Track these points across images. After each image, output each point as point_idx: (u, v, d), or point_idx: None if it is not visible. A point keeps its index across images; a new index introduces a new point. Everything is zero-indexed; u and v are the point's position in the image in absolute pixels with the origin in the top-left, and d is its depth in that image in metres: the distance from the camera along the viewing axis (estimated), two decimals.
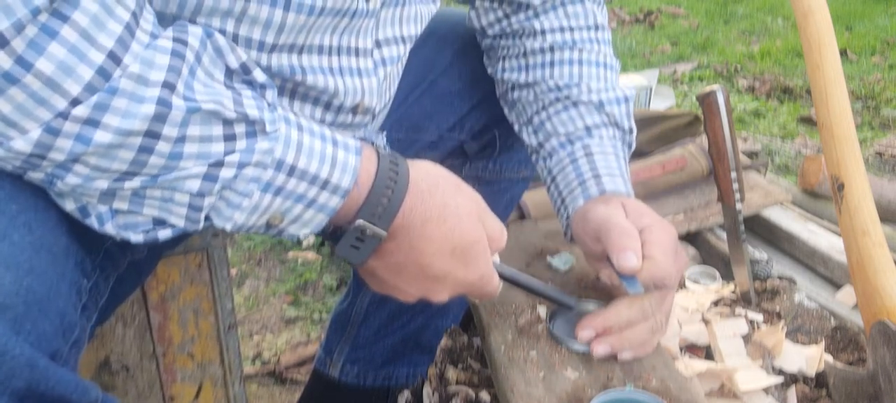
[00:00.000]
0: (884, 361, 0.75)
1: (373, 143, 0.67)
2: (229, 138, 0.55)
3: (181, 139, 0.53)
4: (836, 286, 1.27)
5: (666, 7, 4.68)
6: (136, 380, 1.02)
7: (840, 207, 0.84)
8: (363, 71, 0.75)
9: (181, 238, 0.93)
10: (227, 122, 0.55)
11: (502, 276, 0.76)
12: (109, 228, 0.57)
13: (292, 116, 0.60)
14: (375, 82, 0.77)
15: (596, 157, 0.90)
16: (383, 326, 1.22)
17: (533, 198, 1.33)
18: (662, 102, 2.28)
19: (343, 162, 0.61)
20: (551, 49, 0.95)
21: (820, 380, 0.85)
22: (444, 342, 0.99)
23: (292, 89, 0.71)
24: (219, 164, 0.55)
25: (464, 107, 1.07)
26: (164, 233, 0.59)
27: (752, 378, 0.82)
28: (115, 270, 0.72)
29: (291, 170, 0.59)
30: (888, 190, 1.54)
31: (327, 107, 0.74)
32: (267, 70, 0.67)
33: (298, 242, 2.01)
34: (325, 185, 0.61)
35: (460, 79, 1.06)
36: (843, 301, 1.19)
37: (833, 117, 0.86)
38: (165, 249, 0.93)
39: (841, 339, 0.93)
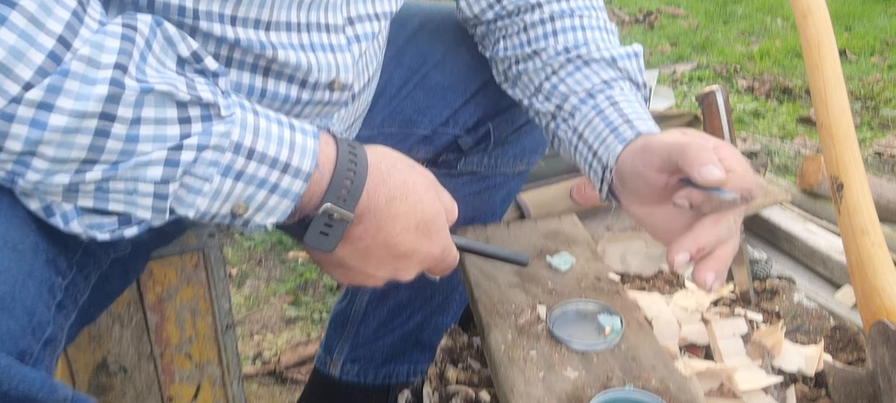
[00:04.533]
0: (883, 361, 0.75)
1: (328, 129, 0.67)
2: (184, 121, 0.55)
3: (137, 121, 0.53)
4: (836, 286, 1.27)
5: (665, 7, 4.68)
6: (133, 381, 1.02)
7: (839, 207, 0.84)
8: (336, 47, 0.76)
9: (171, 236, 0.93)
10: (182, 105, 0.55)
11: (458, 247, 0.78)
12: (75, 227, 0.57)
13: (247, 102, 0.61)
14: (350, 58, 0.77)
15: (622, 105, 0.86)
16: (382, 324, 1.22)
17: (533, 198, 1.34)
18: (662, 103, 2.28)
19: (302, 145, 0.62)
20: (552, 18, 0.94)
21: (819, 380, 0.85)
22: (444, 341, 0.99)
23: (265, 67, 0.71)
24: (178, 148, 0.55)
25: (457, 101, 1.06)
26: (130, 231, 0.59)
27: (751, 377, 0.82)
28: (97, 267, 0.71)
29: (250, 153, 0.59)
30: (887, 190, 1.54)
31: (303, 84, 0.74)
32: (235, 44, 0.67)
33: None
34: (286, 169, 0.61)
35: (453, 72, 1.05)
36: (843, 300, 1.19)
37: (832, 117, 0.86)
38: (155, 247, 0.92)
39: (840, 339, 0.93)
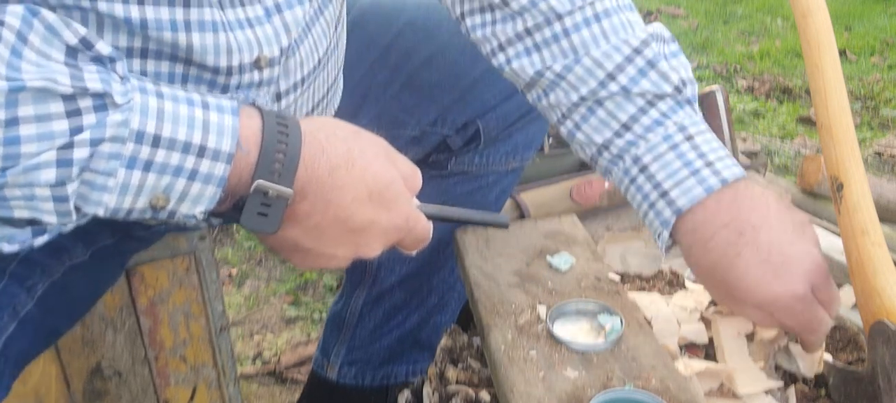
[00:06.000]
0: (882, 361, 0.74)
1: (253, 103, 0.63)
2: (73, 114, 0.51)
3: (13, 121, 0.49)
4: (836, 286, 1.27)
5: (665, 7, 4.68)
6: (129, 385, 1.02)
7: (839, 207, 0.84)
8: (253, 21, 0.69)
9: (146, 240, 0.90)
10: (68, 98, 0.51)
11: (428, 216, 0.72)
12: None
13: (151, 85, 0.56)
14: (271, 30, 0.71)
15: (651, 168, 0.78)
16: (379, 325, 1.21)
17: (533, 198, 1.33)
18: None
19: (218, 124, 0.57)
20: (528, 31, 0.81)
21: (819, 380, 0.85)
22: (444, 341, 0.99)
23: (185, 59, 0.66)
24: (69, 146, 0.51)
25: (445, 100, 1.04)
26: (40, 240, 0.55)
27: (751, 377, 0.82)
28: (45, 277, 0.69)
29: (156, 141, 0.54)
30: (887, 190, 1.54)
31: (228, 72, 0.69)
32: (143, 27, 0.61)
33: None
34: (202, 152, 0.56)
35: (441, 71, 1.03)
36: (843, 301, 1.18)
37: (832, 117, 0.86)
38: (130, 253, 0.89)
39: (840, 339, 0.93)
